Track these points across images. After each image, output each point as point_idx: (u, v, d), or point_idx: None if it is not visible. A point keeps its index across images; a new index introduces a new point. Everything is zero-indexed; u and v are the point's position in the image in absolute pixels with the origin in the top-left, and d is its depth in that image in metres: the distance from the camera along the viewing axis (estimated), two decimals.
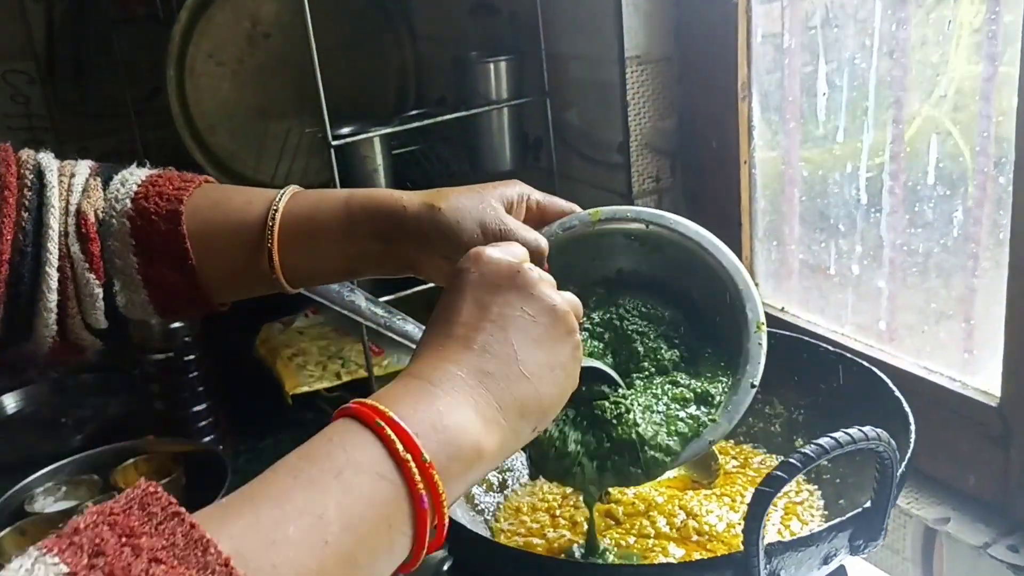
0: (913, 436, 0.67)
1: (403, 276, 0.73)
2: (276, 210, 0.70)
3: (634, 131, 1.10)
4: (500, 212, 0.67)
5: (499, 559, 0.66)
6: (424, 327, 0.80)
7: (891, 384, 0.73)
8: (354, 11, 1.44)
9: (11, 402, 1.45)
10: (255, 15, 1.41)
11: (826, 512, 0.76)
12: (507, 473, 0.87)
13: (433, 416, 0.49)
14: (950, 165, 0.85)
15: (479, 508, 0.82)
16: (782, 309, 1.06)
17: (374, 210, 0.69)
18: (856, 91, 0.92)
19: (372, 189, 0.72)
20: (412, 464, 0.46)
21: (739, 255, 1.05)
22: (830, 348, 0.81)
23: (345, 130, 1.14)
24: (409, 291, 1.14)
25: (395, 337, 0.81)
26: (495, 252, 0.56)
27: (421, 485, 0.46)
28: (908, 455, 0.64)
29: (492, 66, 1.17)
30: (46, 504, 1.11)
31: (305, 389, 1.25)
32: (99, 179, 0.74)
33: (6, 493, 1.09)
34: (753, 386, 0.65)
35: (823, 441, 0.54)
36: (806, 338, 0.84)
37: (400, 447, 0.46)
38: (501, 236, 0.66)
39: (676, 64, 1.09)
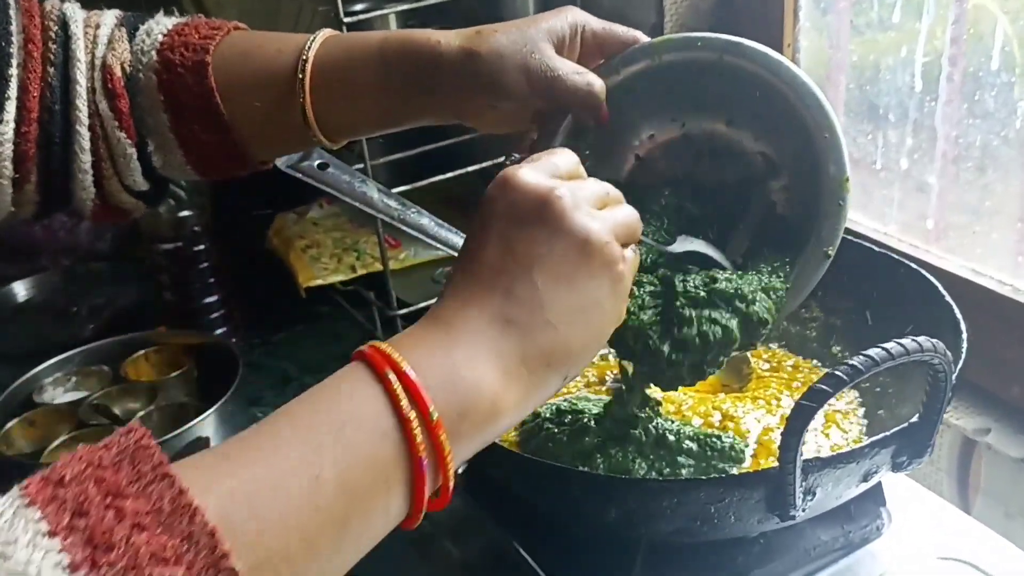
0: (965, 346, 0.61)
1: (449, 124, 0.68)
2: (306, 59, 0.65)
3: (669, 10, 1.01)
4: (547, 54, 0.61)
5: (516, 467, 0.63)
6: (440, 222, 0.77)
7: (942, 289, 0.68)
8: None
9: (22, 290, 1.43)
10: None
11: (866, 420, 0.72)
12: None
13: (448, 368, 0.45)
14: (1017, 50, 0.77)
15: None
16: None
17: (409, 57, 0.64)
18: None
19: (408, 32, 0.65)
20: (415, 423, 0.43)
21: None
22: (875, 248, 0.76)
23: (359, 6, 1.07)
24: (424, 182, 1.08)
25: (409, 230, 0.76)
26: (525, 176, 0.49)
27: (423, 447, 0.43)
28: (959, 367, 0.59)
29: None
30: (55, 394, 1.09)
31: (319, 282, 1.21)
32: (124, 29, 0.69)
33: (15, 382, 1.07)
34: (828, 256, 0.59)
35: (873, 352, 0.49)
36: (849, 237, 0.78)
37: (405, 403, 0.43)
38: (548, 84, 0.61)
39: None
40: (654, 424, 0.65)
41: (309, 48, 0.65)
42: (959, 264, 0.86)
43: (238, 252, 1.28)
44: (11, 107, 0.65)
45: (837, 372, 0.48)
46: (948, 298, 0.67)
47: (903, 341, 0.49)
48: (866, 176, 0.94)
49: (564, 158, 0.52)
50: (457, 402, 0.45)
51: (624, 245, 0.51)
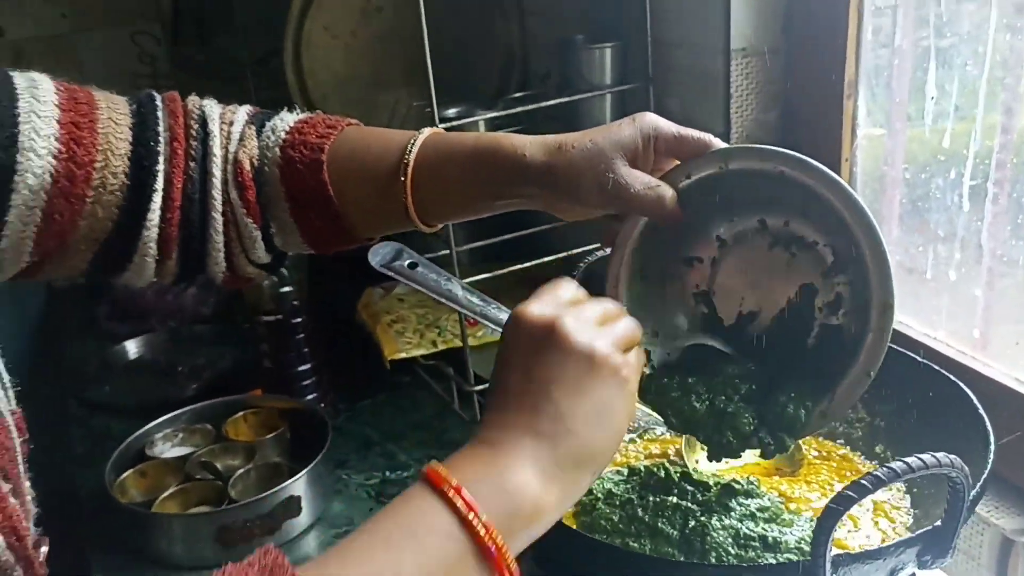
0: (991, 458, 0.68)
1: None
2: (407, 162, 0.75)
3: (736, 122, 1.10)
4: (619, 171, 0.68)
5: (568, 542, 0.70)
6: None
7: (976, 401, 0.74)
8: None
9: (132, 348, 1.56)
10: None
11: (915, 510, 0.78)
12: None
13: (494, 479, 0.55)
14: None
15: None
16: None
17: (498, 163, 0.73)
18: (965, 98, 0.91)
19: (498, 138, 0.74)
20: (478, 526, 0.53)
21: None
22: (918, 358, 0.82)
23: (451, 112, 1.18)
24: (503, 271, 1.18)
25: (489, 325, 0.85)
26: (533, 310, 0.59)
27: (488, 541, 0.53)
28: (983, 478, 0.65)
29: (597, 52, 1.19)
30: (164, 449, 1.21)
31: (403, 355, 1.31)
32: (253, 127, 0.80)
33: (129, 437, 1.19)
34: (870, 376, 0.66)
35: (895, 465, 0.56)
36: (897, 347, 0.84)
37: (464, 510, 0.53)
38: (620, 198, 0.69)
39: (782, 57, 1.08)
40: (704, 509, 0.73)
41: (411, 151, 0.76)
42: (1002, 372, 0.91)
43: (330, 325, 1.39)
44: (157, 198, 0.77)
45: (863, 481, 0.56)
46: (981, 410, 0.73)
47: (924, 456, 0.56)
48: (917, 285, 1.01)
49: (565, 288, 0.62)
50: (505, 505, 0.54)
51: (626, 351, 0.60)
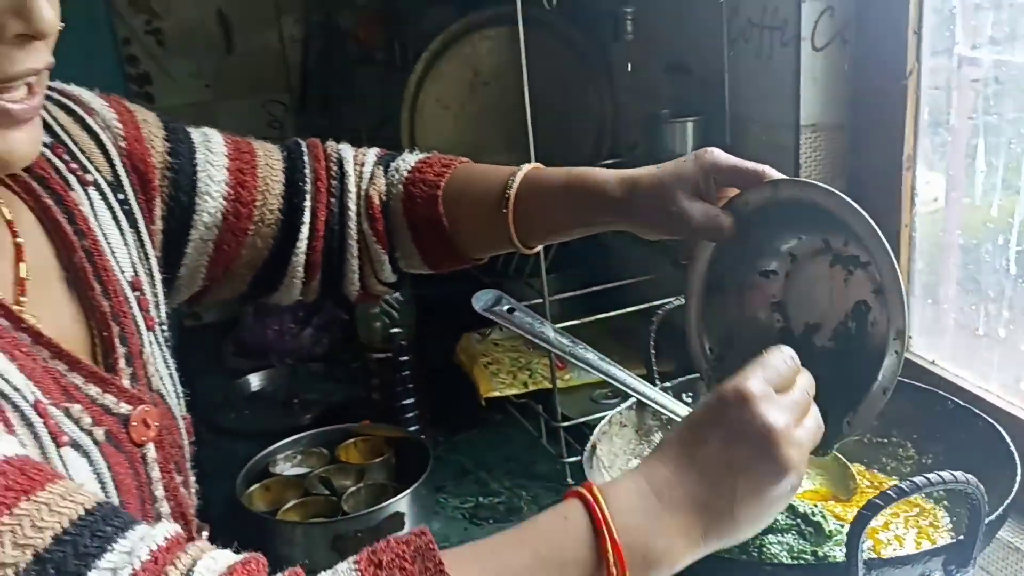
0: (1015, 486, 0.77)
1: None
2: (509, 196, 0.89)
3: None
4: (681, 204, 0.80)
5: None
6: (602, 356, 0.98)
7: (1007, 438, 0.83)
8: (563, 65, 1.63)
9: (255, 381, 1.74)
10: (477, 66, 1.63)
11: (951, 532, 0.87)
12: None
13: (645, 529, 0.61)
14: None
15: None
16: (932, 362, 1.15)
17: (586, 192, 0.86)
18: (1010, 172, 1.01)
19: (586, 172, 0.87)
20: (613, 566, 0.59)
21: None
22: (960, 403, 0.91)
23: None
24: (590, 319, 1.31)
25: (577, 363, 0.98)
26: (760, 408, 0.62)
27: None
28: (1007, 502, 0.75)
29: (679, 126, 1.32)
30: (285, 468, 1.36)
31: (496, 394, 1.45)
32: (381, 167, 0.97)
33: (255, 456, 1.35)
34: (885, 393, 0.74)
35: (918, 479, 0.66)
36: (940, 391, 0.94)
37: (610, 554, 0.59)
38: (684, 226, 0.80)
39: (848, 133, 1.20)
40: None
41: (512, 184, 0.89)
42: None
43: (432, 365, 1.54)
44: (305, 229, 0.94)
45: (889, 492, 0.66)
46: (1012, 446, 0.82)
47: (943, 473, 0.66)
48: (970, 340, 1.10)
49: (774, 371, 0.66)
50: (644, 555, 0.60)
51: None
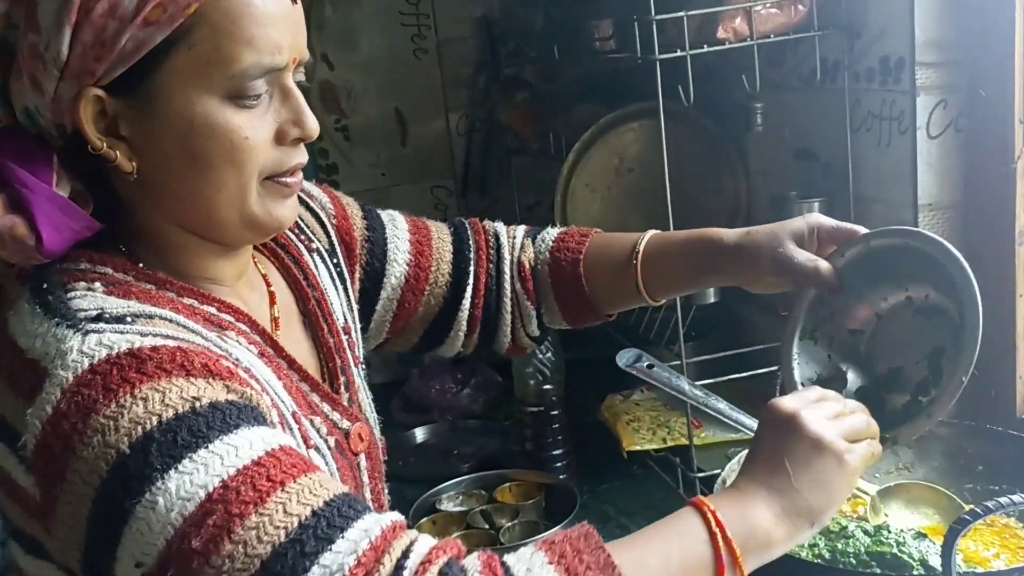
0: None
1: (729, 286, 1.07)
2: (638, 252, 1.07)
3: None
4: (789, 249, 0.96)
5: None
6: (733, 407, 1.11)
7: None
8: (700, 152, 1.79)
9: (419, 434, 1.93)
10: (622, 154, 1.82)
11: None
12: None
13: (739, 512, 0.77)
14: None
15: None
16: None
17: (704, 246, 1.03)
18: None
19: (706, 229, 1.05)
20: (720, 540, 0.75)
21: (1014, 372, 1.25)
22: None
23: None
24: (723, 378, 1.45)
25: (710, 411, 1.12)
26: (782, 403, 0.81)
27: (724, 552, 0.74)
28: None
29: (806, 205, 1.46)
30: (449, 505, 1.54)
31: (637, 448, 1.59)
32: (530, 238, 1.18)
33: (425, 494, 1.53)
34: (961, 383, 0.86)
35: (1004, 500, 0.78)
36: None
37: (716, 529, 0.75)
38: (789, 268, 0.95)
39: (963, 211, 1.31)
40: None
41: (640, 245, 1.08)
42: None
43: (579, 420, 1.70)
44: (469, 290, 1.14)
45: (977, 509, 0.78)
46: None
47: (1014, 496, 0.78)
48: None
49: (815, 391, 0.85)
50: (744, 530, 0.76)
51: (854, 441, 0.81)
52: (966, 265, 0.89)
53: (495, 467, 1.64)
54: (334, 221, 1.08)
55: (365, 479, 0.95)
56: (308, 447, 0.83)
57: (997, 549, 0.99)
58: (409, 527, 1.37)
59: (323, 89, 2.16)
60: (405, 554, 0.68)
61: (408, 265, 1.12)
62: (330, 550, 0.66)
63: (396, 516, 0.73)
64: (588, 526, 0.74)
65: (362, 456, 0.95)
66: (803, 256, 0.95)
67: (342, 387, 0.97)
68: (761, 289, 1.03)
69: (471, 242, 1.15)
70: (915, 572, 0.92)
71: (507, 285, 1.15)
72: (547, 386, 1.59)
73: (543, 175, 1.93)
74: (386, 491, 1.04)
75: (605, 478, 1.64)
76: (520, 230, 1.19)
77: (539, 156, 2.07)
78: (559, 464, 1.61)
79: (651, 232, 1.09)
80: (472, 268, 1.14)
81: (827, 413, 0.81)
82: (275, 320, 0.93)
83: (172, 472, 0.66)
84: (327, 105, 2.16)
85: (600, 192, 1.83)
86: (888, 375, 0.97)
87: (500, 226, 1.20)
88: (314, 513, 0.68)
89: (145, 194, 0.81)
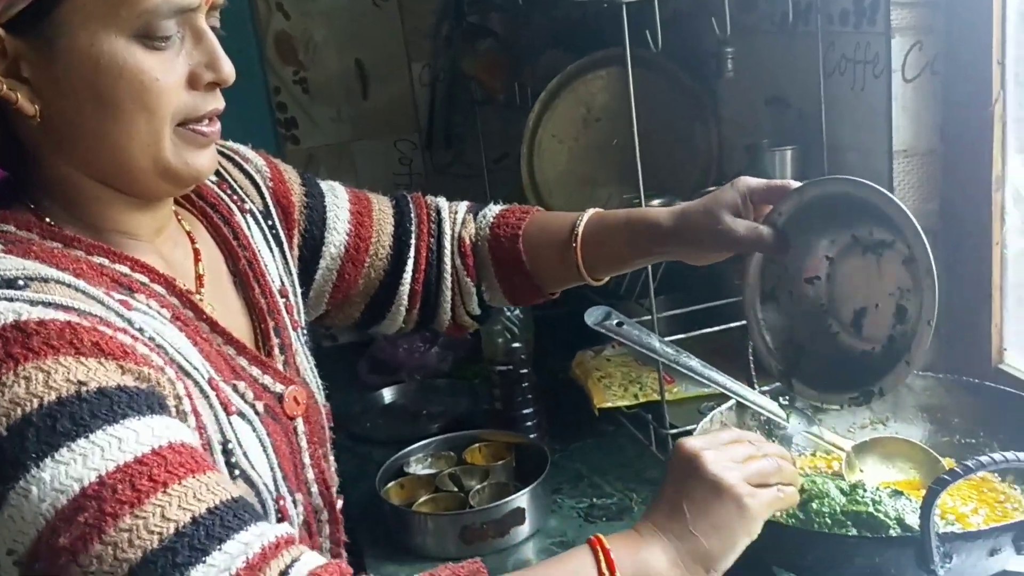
0: None
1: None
2: (577, 233, 1.06)
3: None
4: (725, 221, 0.95)
5: None
6: (705, 364, 1.09)
7: None
8: (671, 100, 1.75)
9: (387, 395, 1.90)
10: (590, 103, 1.76)
11: None
12: None
13: (634, 557, 0.76)
14: None
15: None
16: None
17: (643, 226, 1.02)
18: None
19: (643, 210, 1.06)
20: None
21: (989, 322, 1.23)
22: None
23: (656, 202, 1.45)
24: (695, 333, 1.42)
25: (680, 368, 1.10)
26: (686, 443, 0.80)
27: None
28: None
29: (779, 154, 1.42)
30: (417, 468, 1.51)
31: (609, 405, 1.56)
32: (471, 214, 1.16)
33: (392, 457, 1.50)
34: (929, 324, 0.86)
35: (984, 459, 0.76)
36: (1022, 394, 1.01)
37: (606, 571, 0.74)
38: (731, 241, 0.94)
39: (939, 157, 1.27)
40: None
41: (579, 225, 1.06)
42: None
43: (549, 379, 1.67)
44: (410, 264, 1.12)
45: (957, 469, 0.75)
46: None
47: (995, 455, 0.75)
48: None
49: (727, 432, 0.84)
50: (636, 573, 0.75)
51: (761, 486, 0.78)
52: (899, 203, 0.88)
53: (465, 427, 1.61)
54: (270, 184, 1.05)
55: (303, 444, 0.92)
56: (229, 413, 0.80)
57: (975, 504, 0.97)
58: (375, 495, 1.34)
59: (279, 40, 2.08)
60: (283, 574, 0.66)
61: (348, 235, 1.09)
62: (204, 562, 0.63)
63: (283, 530, 0.70)
64: (479, 564, 0.73)
65: (299, 420, 0.92)
66: (743, 226, 0.95)
67: (276, 349, 0.93)
68: (705, 262, 1.03)
69: (412, 216, 1.13)
70: (891, 531, 0.89)
71: (447, 260, 1.14)
72: (516, 344, 1.55)
73: (510, 127, 1.87)
74: (330, 457, 1.01)
75: (576, 436, 1.61)
76: (462, 206, 1.17)
77: (506, 107, 2.01)
78: (529, 423, 1.57)
79: (590, 212, 1.08)
80: (413, 241, 1.12)
81: (734, 456, 0.80)
82: (199, 278, 0.89)
83: (48, 460, 0.63)
84: (284, 57, 2.08)
85: (568, 143, 1.79)
86: (855, 318, 0.96)
87: (442, 201, 1.18)
88: (194, 520, 0.65)
89: (51, 141, 0.77)
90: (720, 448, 0.79)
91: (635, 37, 1.31)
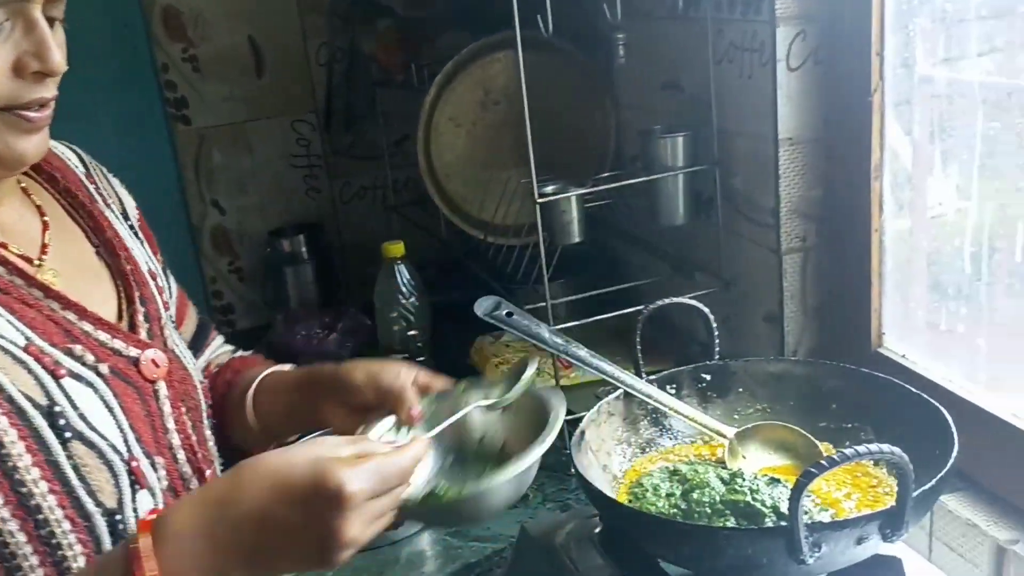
0: (951, 460, 0.86)
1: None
2: (249, 394, 1.06)
3: (784, 198, 1.32)
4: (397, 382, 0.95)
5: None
6: (594, 354, 1.09)
7: (948, 418, 0.93)
8: (569, 83, 1.74)
9: None
10: (488, 86, 1.74)
11: None
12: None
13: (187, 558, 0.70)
14: None
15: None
16: (903, 356, 1.24)
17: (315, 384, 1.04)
18: (963, 180, 1.10)
19: (316, 369, 1.07)
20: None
21: (869, 307, 1.25)
22: (911, 390, 1.01)
23: (549, 188, 1.44)
24: (590, 319, 1.42)
25: (571, 360, 1.10)
26: (342, 485, 0.68)
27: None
28: (941, 474, 0.84)
29: (671, 140, 1.43)
30: None
31: None
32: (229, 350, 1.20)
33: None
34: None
35: (848, 451, 0.77)
36: (895, 379, 1.04)
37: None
38: (387, 395, 0.94)
39: (823, 145, 1.30)
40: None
41: (250, 391, 1.06)
42: (1003, 408, 1.08)
43: (447, 365, 1.65)
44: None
45: (823, 461, 0.76)
46: (951, 424, 0.92)
47: (871, 446, 0.76)
48: (935, 337, 1.19)
49: (386, 474, 0.73)
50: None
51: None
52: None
53: None
54: (136, 217, 1.07)
55: (165, 408, 0.91)
56: (59, 376, 0.80)
57: (849, 488, 0.99)
58: None
59: (167, 15, 1.99)
60: None
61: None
62: None
63: None
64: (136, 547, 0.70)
65: (161, 384, 0.91)
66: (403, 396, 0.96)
67: (140, 317, 0.93)
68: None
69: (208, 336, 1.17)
70: (767, 520, 0.91)
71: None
72: (412, 332, 1.54)
73: (411, 108, 1.83)
74: (203, 427, 0.98)
75: None
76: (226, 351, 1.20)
77: (405, 88, 1.97)
78: None
79: (260, 377, 1.09)
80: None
81: (373, 513, 0.71)
82: (44, 247, 0.89)
83: None
84: (172, 33, 2.00)
85: (465, 127, 1.76)
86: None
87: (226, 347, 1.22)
88: None
89: None
90: (364, 506, 0.70)
91: (529, 20, 1.29)
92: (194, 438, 0.93)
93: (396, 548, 1.31)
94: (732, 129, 1.40)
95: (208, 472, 0.94)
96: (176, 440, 0.91)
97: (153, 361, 0.90)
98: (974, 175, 1.08)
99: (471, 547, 1.29)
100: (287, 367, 1.12)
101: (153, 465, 0.86)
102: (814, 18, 1.24)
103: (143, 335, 0.92)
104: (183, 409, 0.93)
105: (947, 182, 1.13)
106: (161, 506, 0.85)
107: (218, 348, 1.19)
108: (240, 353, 1.19)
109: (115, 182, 1.06)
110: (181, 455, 0.91)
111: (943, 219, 1.16)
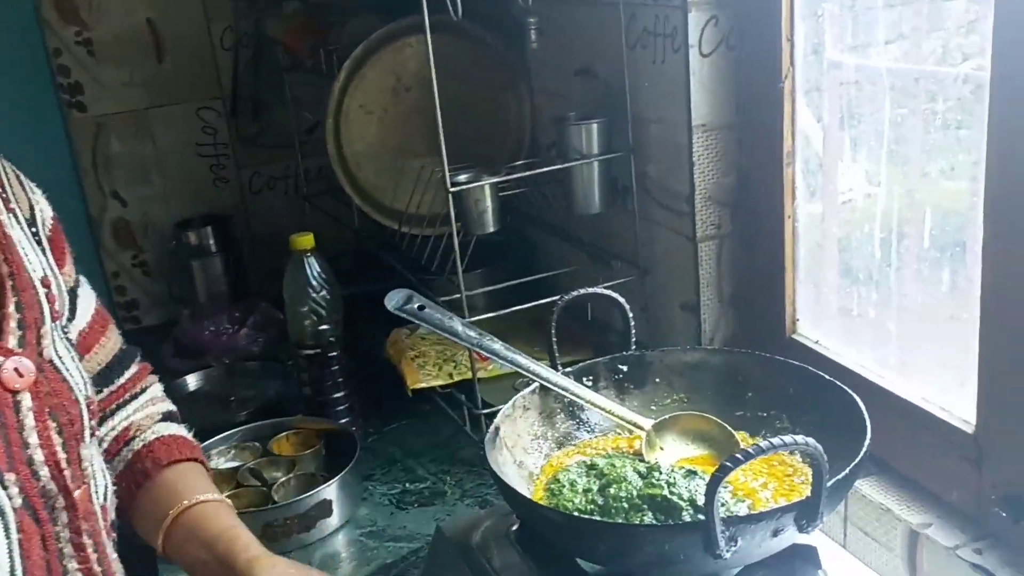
0: (864, 447, 0.86)
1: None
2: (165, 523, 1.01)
3: (699, 185, 1.31)
4: None
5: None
6: (509, 347, 1.06)
7: (861, 405, 0.93)
8: (483, 69, 1.70)
9: (192, 381, 1.78)
10: (399, 72, 1.70)
11: None
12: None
13: None
14: (939, 233, 1.04)
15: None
16: (816, 342, 1.24)
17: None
18: (872, 165, 1.11)
19: (232, 538, 1.01)
20: None
21: (783, 293, 1.25)
22: (826, 377, 1.01)
23: (462, 177, 1.41)
24: (506, 311, 1.40)
25: (485, 353, 1.07)
26: None
27: None
28: (855, 463, 0.84)
29: (584, 127, 1.41)
30: (219, 463, 1.42)
31: (423, 385, 1.52)
32: (159, 419, 1.14)
33: None
34: None
35: (763, 444, 0.75)
36: (810, 367, 1.04)
37: None
38: None
39: (736, 132, 1.29)
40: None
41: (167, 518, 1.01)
42: (913, 392, 1.09)
43: (362, 358, 1.61)
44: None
45: (737, 455, 0.75)
46: (864, 412, 0.92)
47: (785, 438, 0.75)
48: (848, 321, 1.20)
49: None
50: None
51: None
52: None
53: (277, 413, 1.54)
54: (49, 229, 1.01)
55: (28, 421, 0.84)
56: None
57: (765, 478, 0.99)
58: None
59: None
60: None
61: (80, 331, 1.06)
62: None
63: None
64: None
65: (25, 395, 0.85)
66: None
67: (12, 323, 0.87)
68: None
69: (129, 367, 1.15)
70: (685, 513, 0.90)
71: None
72: (323, 326, 1.48)
73: (322, 95, 1.77)
74: (81, 446, 0.91)
75: (391, 419, 1.57)
76: (162, 406, 1.17)
77: (315, 75, 1.91)
78: (341, 408, 1.51)
79: (169, 517, 1.02)
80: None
81: None
82: None
83: None
84: (64, 15, 1.89)
85: (377, 114, 1.72)
86: None
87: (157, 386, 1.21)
88: None
89: None
90: None
91: (439, 4, 1.26)
92: (62, 455, 0.86)
93: (309, 551, 1.26)
94: (646, 116, 1.39)
95: (78, 492, 0.88)
96: (39, 456, 0.84)
97: (16, 370, 0.84)
98: (883, 161, 1.09)
99: (387, 547, 1.26)
100: (210, 496, 1.05)
101: (2, 482, 0.80)
102: (726, 3, 1.23)
103: (11, 342, 0.85)
104: (51, 424, 0.86)
105: (857, 168, 1.13)
106: (13, 526, 0.80)
107: (148, 400, 1.15)
108: (166, 430, 1.12)
109: (30, 186, 1.01)
110: (44, 472, 0.84)
111: (853, 204, 1.16)
